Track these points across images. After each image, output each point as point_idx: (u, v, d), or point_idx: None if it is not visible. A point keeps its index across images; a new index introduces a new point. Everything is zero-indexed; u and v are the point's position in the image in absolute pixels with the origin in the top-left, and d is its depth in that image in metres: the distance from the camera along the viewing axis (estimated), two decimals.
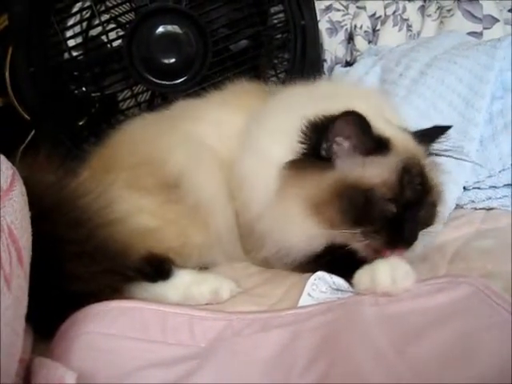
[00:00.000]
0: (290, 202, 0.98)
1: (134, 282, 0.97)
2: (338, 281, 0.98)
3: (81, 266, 0.87)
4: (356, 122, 0.93)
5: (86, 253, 0.88)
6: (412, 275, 0.90)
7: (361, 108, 0.95)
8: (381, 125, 1.00)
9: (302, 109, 1.02)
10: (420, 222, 0.98)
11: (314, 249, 1.00)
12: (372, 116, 0.96)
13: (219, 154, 1.16)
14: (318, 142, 0.97)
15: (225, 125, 1.18)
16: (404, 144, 1.00)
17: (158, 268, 1.00)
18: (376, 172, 0.95)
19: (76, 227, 0.89)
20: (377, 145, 0.96)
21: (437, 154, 1.08)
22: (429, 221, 1.02)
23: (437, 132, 1.08)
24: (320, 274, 0.99)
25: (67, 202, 0.92)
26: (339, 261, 0.99)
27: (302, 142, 0.98)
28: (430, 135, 1.07)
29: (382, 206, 0.94)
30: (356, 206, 0.94)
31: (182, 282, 1.01)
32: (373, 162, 0.96)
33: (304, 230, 0.98)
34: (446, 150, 1.07)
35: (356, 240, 0.96)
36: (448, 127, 1.09)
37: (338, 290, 0.97)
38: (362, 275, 0.92)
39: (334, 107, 0.96)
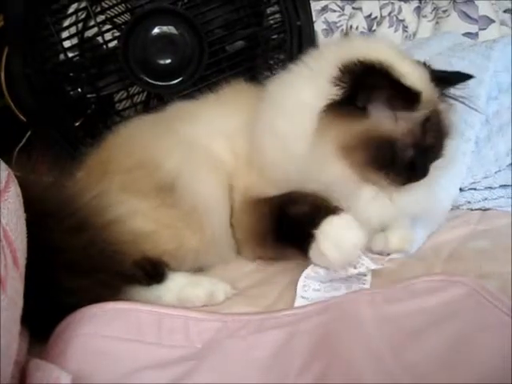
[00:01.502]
0: (326, 144, 1.02)
1: (128, 286, 0.97)
2: (325, 271, 0.99)
3: (76, 276, 0.87)
4: (392, 76, 0.98)
5: (82, 261, 0.88)
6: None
7: (389, 56, 1.04)
8: (410, 72, 1.04)
9: (330, 56, 1.08)
10: (430, 159, 1.08)
11: (348, 187, 1.04)
12: (400, 62, 1.04)
13: (216, 154, 1.16)
14: (355, 91, 1.00)
15: (221, 125, 1.18)
16: (428, 93, 1.05)
17: (153, 271, 1.00)
18: (404, 125, 1.02)
19: (72, 233, 0.89)
20: (409, 98, 1.01)
21: (451, 98, 1.13)
22: (438, 155, 1.10)
23: (457, 77, 1.13)
24: (307, 272, 1.00)
25: (63, 205, 0.92)
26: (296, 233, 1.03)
27: (337, 86, 1.01)
28: (449, 78, 1.12)
29: (404, 154, 1.03)
30: (383, 154, 1.02)
31: (177, 285, 1.00)
32: (403, 115, 1.02)
33: (337, 170, 1.03)
34: (461, 97, 1.13)
35: (378, 179, 1.04)
36: (470, 76, 1.13)
37: (330, 281, 0.98)
38: (377, 239, 1.11)
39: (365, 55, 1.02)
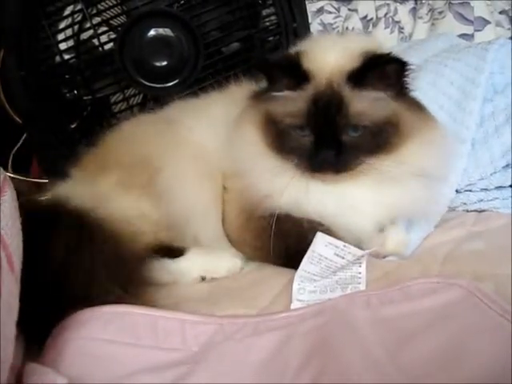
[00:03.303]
0: (243, 123, 1.10)
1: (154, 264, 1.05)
2: (315, 269, 1.01)
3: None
4: (290, 60, 1.04)
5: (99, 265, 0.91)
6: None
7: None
8: (322, 57, 1.04)
9: None
10: (351, 146, 1.01)
11: (270, 171, 1.06)
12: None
13: (215, 155, 1.17)
14: (270, 79, 1.06)
15: (223, 123, 1.18)
16: (327, 75, 1.02)
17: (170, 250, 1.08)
18: (292, 105, 1.03)
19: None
20: (299, 79, 1.02)
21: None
22: (366, 145, 1.02)
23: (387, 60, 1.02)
24: (300, 274, 1.01)
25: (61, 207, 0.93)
26: None
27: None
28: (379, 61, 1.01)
29: (303, 138, 1.02)
30: (275, 136, 1.05)
31: (199, 257, 1.09)
32: (291, 94, 1.03)
33: (255, 149, 1.08)
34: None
35: (287, 164, 1.04)
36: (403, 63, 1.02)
37: (324, 278, 0.99)
38: (374, 240, 1.10)
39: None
